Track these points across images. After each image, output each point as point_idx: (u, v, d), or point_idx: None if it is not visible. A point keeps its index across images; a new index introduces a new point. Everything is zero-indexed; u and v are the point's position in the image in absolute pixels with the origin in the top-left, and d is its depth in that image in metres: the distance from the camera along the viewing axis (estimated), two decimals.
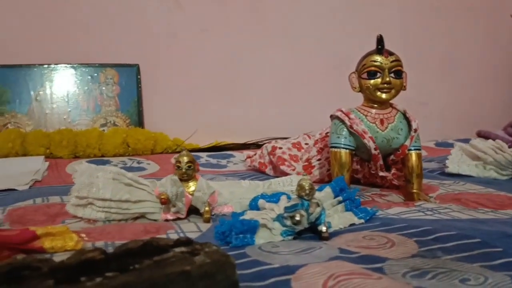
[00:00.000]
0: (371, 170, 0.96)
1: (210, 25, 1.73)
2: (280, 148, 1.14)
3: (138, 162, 1.37)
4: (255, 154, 1.25)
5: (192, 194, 0.76)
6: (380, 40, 0.89)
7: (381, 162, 0.92)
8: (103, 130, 1.53)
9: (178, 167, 0.76)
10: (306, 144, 1.14)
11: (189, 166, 0.76)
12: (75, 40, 1.60)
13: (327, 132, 1.06)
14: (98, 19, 1.63)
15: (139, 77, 1.62)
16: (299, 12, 1.84)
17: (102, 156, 1.45)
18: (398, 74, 0.89)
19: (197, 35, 1.72)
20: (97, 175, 0.76)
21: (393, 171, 0.96)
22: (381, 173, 0.94)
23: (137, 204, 0.77)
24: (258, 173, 1.20)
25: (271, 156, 1.15)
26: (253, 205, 0.74)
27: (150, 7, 1.68)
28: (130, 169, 1.29)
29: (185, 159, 0.76)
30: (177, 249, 0.48)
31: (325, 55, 1.85)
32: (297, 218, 0.60)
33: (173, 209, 0.77)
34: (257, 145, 1.64)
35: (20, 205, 0.88)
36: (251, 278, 0.47)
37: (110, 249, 0.52)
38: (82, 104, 1.56)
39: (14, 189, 1.03)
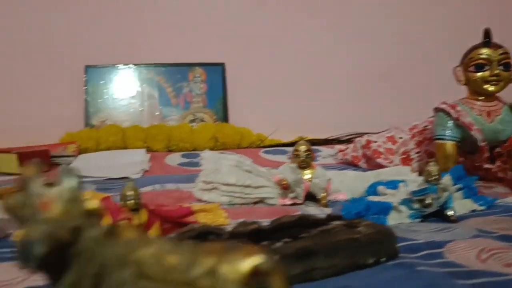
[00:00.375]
0: (475, 162, 0.96)
1: (292, 25, 1.78)
2: (375, 141, 1.17)
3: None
4: (347, 148, 1.28)
5: (310, 181, 0.81)
6: (487, 33, 0.90)
7: (487, 154, 0.92)
8: (192, 125, 1.61)
9: (297, 155, 0.81)
10: (400, 138, 1.16)
11: (307, 155, 0.81)
12: (166, 41, 1.70)
13: (425, 126, 1.07)
14: (187, 21, 1.72)
15: (224, 75, 1.69)
16: (377, 7, 1.86)
17: (193, 150, 1.53)
18: (507, 66, 0.89)
19: (280, 34, 1.78)
20: (221, 162, 0.83)
21: (498, 163, 0.96)
22: (486, 165, 0.94)
23: (258, 190, 0.82)
24: (350, 166, 1.23)
25: (366, 150, 1.18)
26: (371, 191, 0.78)
27: (235, 8, 1.76)
28: None
29: (304, 147, 0.81)
30: (334, 223, 0.53)
31: (404, 51, 1.85)
32: (429, 201, 0.63)
33: (291, 195, 0.82)
34: (338, 141, 1.67)
35: (143, 190, 0.96)
36: (403, 251, 0.51)
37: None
38: (172, 101, 1.66)
39: (127, 177, 1.13)
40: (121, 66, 1.64)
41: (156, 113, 1.65)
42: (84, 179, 1.08)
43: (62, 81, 1.64)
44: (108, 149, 1.47)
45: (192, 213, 0.62)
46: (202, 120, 1.66)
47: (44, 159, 1.21)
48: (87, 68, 1.62)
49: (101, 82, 1.62)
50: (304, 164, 0.81)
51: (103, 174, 1.13)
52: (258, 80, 1.77)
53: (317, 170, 0.81)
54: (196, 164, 1.33)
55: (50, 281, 0.24)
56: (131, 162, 1.26)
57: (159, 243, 0.22)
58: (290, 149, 1.53)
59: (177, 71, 1.67)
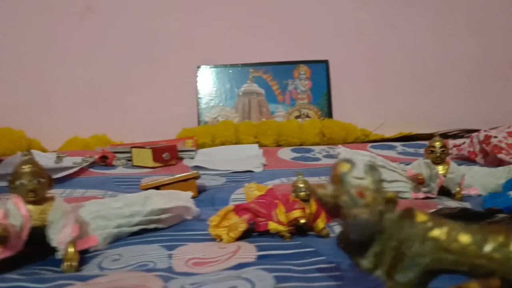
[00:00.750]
0: None
1: (397, 20, 1.78)
2: (495, 137, 1.16)
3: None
4: (463, 143, 1.28)
5: (444, 176, 0.83)
6: None
7: None
8: (299, 121, 1.68)
9: (432, 151, 0.84)
10: None
11: (442, 151, 0.83)
12: (272, 40, 1.77)
13: None
14: (292, 21, 1.78)
15: (328, 72, 1.74)
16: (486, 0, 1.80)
17: (300, 144, 1.59)
18: None
19: (384, 31, 1.79)
20: (356, 157, 0.88)
21: None
22: None
23: (392, 184, 0.86)
24: (466, 161, 1.23)
25: (484, 145, 1.17)
26: (508, 187, 0.79)
27: (338, 6, 1.79)
28: (333, 156, 1.41)
29: (439, 144, 0.84)
30: (499, 216, 0.56)
31: None
32: None
33: (424, 189, 0.85)
34: (445, 136, 1.65)
35: (270, 183, 1.04)
36: None
37: None
38: (279, 98, 1.73)
39: (250, 171, 1.21)
40: (230, 65, 1.74)
41: (263, 110, 1.73)
42: (212, 172, 1.18)
43: (177, 80, 1.77)
44: (222, 144, 1.57)
45: None
46: (307, 116, 1.71)
47: (172, 153, 1.33)
48: (200, 68, 1.74)
49: (212, 81, 1.73)
50: (439, 160, 0.83)
51: (228, 167, 1.23)
52: (362, 76, 1.79)
53: (452, 165, 0.84)
54: (308, 159, 1.39)
55: (354, 253, 0.30)
56: (248, 156, 1.35)
57: (450, 224, 0.28)
58: (396, 144, 1.56)
59: (283, 69, 1.74)
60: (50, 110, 1.72)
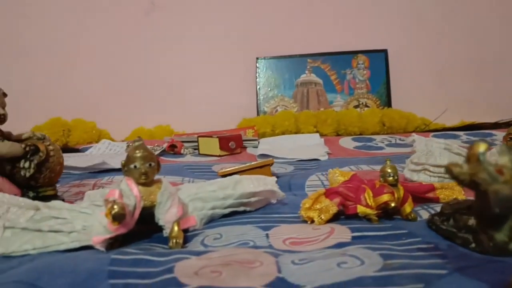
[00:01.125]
0: None
1: (457, 6, 1.75)
2: None
3: (401, 139, 1.47)
4: None
5: None
6: None
7: None
8: (358, 111, 1.68)
9: (511, 139, 0.83)
10: None
11: None
12: (330, 30, 1.78)
13: None
14: (350, 10, 1.78)
15: (387, 61, 1.73)
16: None
17: (360, 134, 1.60)
18: None
19: (445, 16, 1.76)
20: (432, 145, 0.88)
21: None
22: None
23: None
24: None
25: None
26: None
27: None
28: (397, 145, 1.41)
29: None
30: None
31: None
32: None
33: None
34: (508, 124, 1.61)
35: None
36: None
37: None
38: (337, 87, 1.74)
39: (316, 159, 1.23)
40: (288, 56, 1.76)
41: (322, 99, 1.74)
42: (279, 160, 1.21)
43: (236, 72, 1.81)
44: (283, 133, 1.60)
45: (434, 189, 0.69)
46: (366, 105, 1.71)
47: (237, 142, 1.38)
48: (258, 59, 1.77)
49: (271, 71, 1.76)
50: None
51: (294, 156, 1.25)
52: (422, 64, 1.77)
53: None
54: (371, 148, 1.40)
55: (488, 227, 0.32)
56: (311, 145, 1.37)
57: None
58: (459, 133, 1.53)
59: (341, 58, 1.74)
60: (118, 102, 1.80)
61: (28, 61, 1.81)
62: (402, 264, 0.43)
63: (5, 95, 0.75)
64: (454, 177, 0.31)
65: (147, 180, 0.57)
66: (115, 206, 0.52)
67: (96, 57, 1.83)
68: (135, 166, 0.56)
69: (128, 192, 0.56)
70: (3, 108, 0.74)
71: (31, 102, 1.73)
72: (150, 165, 0.57)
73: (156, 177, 0.60)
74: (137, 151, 0.57)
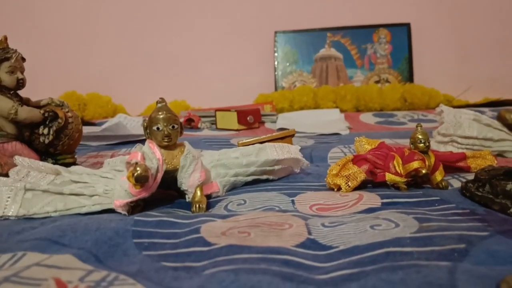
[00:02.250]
0: None
1: None
2: None
3: (423, 115, 1.44)
4: None
5: None
6: None
7: None
8: (378, 86, 1.64)
9: None
10: None
11: None
12: (351, 3, 1.73)
13: None
14: None
15: (410, 35, 1.68)
16: None
17: (381, 110, 1.56)
18: None
19: None
20: (460, 116, 0.85)
21: None
22: None
23: (498, 143, 0.83)
24: None
25: None
26: None
27: None
28: (419, 121, 1.37)
29: None
30: None
31: None
32: None
33: None
34: None
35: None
36: None
37: None
38: (357, 62, 1.70)
39: (337, 134, 1.21)
40: (307, 30, 1.72)
41: (341, 75, 1.71)
42: (299, 135, 1.19)
43: (254, 46, 1.78)
44: (301, 109, 1.58)
45: (465, 157, 0.66)
46: (387, 81, 1.67)
47: (256, 117, 1.35)
48: (277, 33, 1.73)
49: (289, 46, 1.72)
50: None
51: (314, 130, 1.23)
52: (445, 39, 1.72)
53: None
54: (393, 123, 1.37)
55: None
56: (331, 120, 1.35)
57: None
58: (484, 109, 1.49)
59: (362, 32, 1.70)
60: (134, 78, 1.79)
61: (44, 36, 1.80)
62: (440, 226, 0.40)
63: (23, 59, 0.74)
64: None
65: (170, 143, 0.55)
66: (138, 168, 0.50)
67: (112, 32, 1.81)
68: (157, 128, 0.55)
69: (151, 154, 0.55)
70: (22, 73, 0.73)
71: (46, 76, 1.72)
72: (173, 127, 0.55)
73: (179, 141, 0.58)
74: (160, 112, 0.55)
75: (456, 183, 0.62)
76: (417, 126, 0.61)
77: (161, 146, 0.55)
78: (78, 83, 1.71)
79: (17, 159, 0.61)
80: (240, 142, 0.93)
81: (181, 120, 1.41)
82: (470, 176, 0.60)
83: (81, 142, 1.09)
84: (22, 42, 0.78)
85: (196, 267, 0.34)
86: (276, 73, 1.73)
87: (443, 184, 0.60)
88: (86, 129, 1.15)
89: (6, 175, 0.59)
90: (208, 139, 1.17)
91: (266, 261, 0.34)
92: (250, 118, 1.32)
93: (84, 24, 1.82)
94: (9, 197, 0.53)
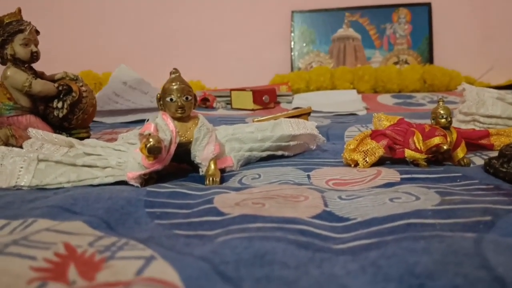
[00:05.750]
0: None
1: None
2: None
3: (444, 97, 1.40)
4: None
5: None
6: None
7: None
8: (398, 67, 1.60)
9: None
10: None
11: None
12: None
13: None
14: None
15: (431, 15, 1.63)
16: None
17: (399, 91, 1.53)
18: None
19: None
20: (484, 94, 0.82)
21: None
22: None
23: (511, 121, 0.80)
24: None
25: None
26: None
27: None
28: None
29: None
30: None
31: None
32: None
33: None
34: None
35: None
36: None
37: None
38: (376, 43, 1.66)
39: (354, 114, 1.18)
40: (325, 10, 1.68)
41: (359, 55, 1.67)
42: (315, 114, 1.17)
43: (270, 26, 1.75)
44: (318, 89, 1.55)
45: (489, 135, 0.64)
46: (406, 62, 1.64)
47: (271, 96, 1.34)
48: (294, 13, 1.70)
49: (306, 26, 1.69)
50: None
51: (331, 109, 1.21)
52: (467, 19, 1.67)
53: None
54: (412, 104, 1.34)
55: None
56: (348, 101, 1.32)
57: None
58: (507, 91, 1.45)
59: (381, 12, 1.65)
60: (149, 58, 1.78)
61: (60, 15, 1.79)
62: (464, 200, 0.39)
63: (37, 32, 0.73)
64: None
65: (183, 115, 0.54)
66: (151, 139, 0.49)
67: (127, 12, 1.79)
68: (171, 99, 0.53)
69: (164, 126, 0.54)
70: (36, 46, 0.72)
71: (62, 55, 1.72)
72: (187, 98, 0.54)
73: (193, 113, 0.57)
74: (174, 83, 0.54)
75: (478, 161, 0.60)
76: (439, 101, 0.59)
77: (175, 118, 0.54)
78: (94, 62, 1.71)
79: (31, 131, 0.61)
80: (255, 120, 0.91)
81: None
82: (493, 154, 0.58)
83: (95, 119, 1.09)
84: (37, 20, 0.77)
85: (208, 235, 0.33)
86: (292, 53, 1.70)
87: (465, 161, 0.58)
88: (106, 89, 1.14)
89: (21, 148, 0.59)
90: (223, 118, 1.16)
91: (280, 230, 0.33)
92: (265, 98, 1.31)
93: (99, 2, 1.81)
94: (22, 167, 0.53)
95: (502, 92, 0.83)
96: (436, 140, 0.56)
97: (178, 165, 0.60)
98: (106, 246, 0.30)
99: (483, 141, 0.64)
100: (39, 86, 0.71)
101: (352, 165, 0.58)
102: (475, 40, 1.67)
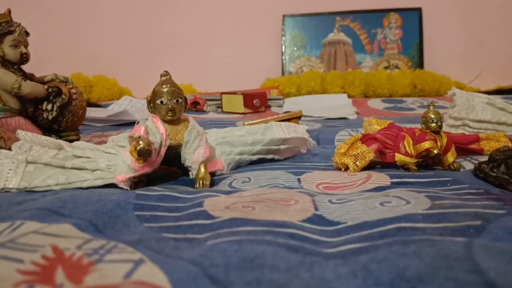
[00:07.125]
0: None
1: None
2: None
3: (434, 102, 1.41)
4: None
5: None
6: None
7: None
8: (388, 72, 1.61)
9: None
10: None
11: None
12: None
13: None
14: None
15: (421, 20, 1.64)
16: None
17: (390, 96, 1.54)
18: None
19: None
20: (473, 99, 0.83)
21: None
22: None
23: (501, 126, 0.81)
24: None
25: None
26: None
27: None
28: (428, 107, 1.35)
29: None
30: None
31: None
32: None
33: None
34: None
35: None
36: None
37: None
38: (366, 47, 1.67)
39: (344, 118, 1.19)
40: (316, 14, 1.69)
41: (350, 60, 1.68)
42: (306, 119, 1.17)
43: (261, 30, 1.75)
44: (309, 93, 1.55)
45: (478, 139, 0.64)
46: (396, 67, 1.65)
47: (262, 100, 1.34)
48: (285, 17, 1.71)
49: (297, 30, 1.70)
50: None
51: (321, 114, 1.21)
52: (457, 25, 1.68)
53: None
54: (402, 109, 1.34)
55: None
56: (338, 105, 1.33)
57: None
58: (496, 97, 1.46)
59: (372, 17, 1.66)
60: (140, 61, 1.78)
61: (50, 17, 1.78)
62: (454, 204, 0.39)
63: (27, 34, 0.72)
64: None
65: (174, 118, 0.54)
66: (141, 142, 0.49)
67: (118, 15, 1.79)
68: (161, 102, 0.53)
69: (154, 129, 0.53)
70: (26, 47, 0.72)
71: (53, 58, 1.71)
72: (177, 101, 0.53)
73: (183, 116, 0.56)
74: (164, 86, 0.54)
75: (468, 166, 0.60)
76: (429, 105, 0.59)
77: (165, 121, 0.54)
78: (84, 65, 1.70)
79: (20, 133, 0.60)
80: (246, 123, 0.91)
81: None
82: (483, 159, 0.59)
83: (86, 122, 1.08)
84: (27, 21, 0.76)
85: (198, 239, 0.33)
86: (283, 57, 1.71)
87: (455, 165, 0.58)
88: (92, 112, 1.14)
89: (9, 150, 0.58)
90: (214, 121, 1.16)
91: (271, 233, 0.32)
92: (256, 102, 1.31)
93: (90, 5, 1.80)
94: (10, 170, 0.52)
95: (492, 97, 0.84)
96: (426, 144, 0.56)
97: (168, 168, 0.59)
98: (95, 249, 0.30)
99: (473, 146, 0.64)
100: (28, 88, 0.70)
101: (343, 169, 0.58)
102: (465, 45, 1.68)
